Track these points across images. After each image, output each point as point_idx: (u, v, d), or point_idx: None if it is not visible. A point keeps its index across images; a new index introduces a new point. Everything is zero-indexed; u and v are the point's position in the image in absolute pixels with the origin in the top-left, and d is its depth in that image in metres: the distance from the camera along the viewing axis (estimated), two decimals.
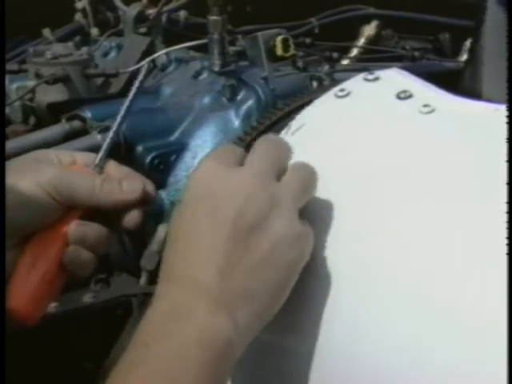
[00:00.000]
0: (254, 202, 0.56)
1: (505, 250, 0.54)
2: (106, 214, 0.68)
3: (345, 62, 1.33)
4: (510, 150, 0.59)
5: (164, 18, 1.22)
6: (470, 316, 0.54)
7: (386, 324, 0.57)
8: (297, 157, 0.68)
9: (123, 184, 0.67)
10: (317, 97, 0.75)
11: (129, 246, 0.96)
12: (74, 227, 0.65)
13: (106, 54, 1.21)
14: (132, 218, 0.67)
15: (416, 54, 1.31)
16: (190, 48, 1.12)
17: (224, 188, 0.57)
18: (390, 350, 0.56)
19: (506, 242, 0.54)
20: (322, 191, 0.64)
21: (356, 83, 0.73)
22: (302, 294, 0.61)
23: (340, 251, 0.61)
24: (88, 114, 0.99)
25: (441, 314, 0.55)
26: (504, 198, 0.56)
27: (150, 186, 0.69)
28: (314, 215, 0.62)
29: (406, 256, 0.59)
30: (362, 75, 0.74)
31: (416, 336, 0.56)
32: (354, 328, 0.58)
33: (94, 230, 0.66)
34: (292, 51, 1.02)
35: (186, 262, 0.56)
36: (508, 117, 0.61)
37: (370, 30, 1.44)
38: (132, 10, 1.22)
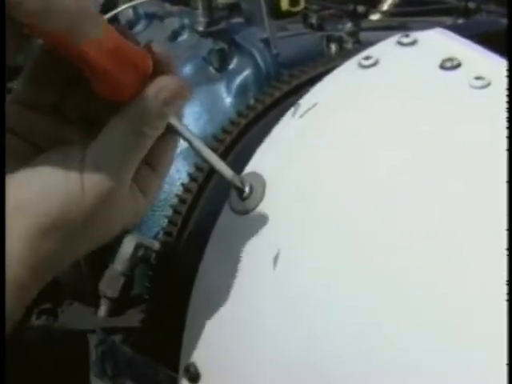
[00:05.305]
0: None
1: None
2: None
3: (374, 17, 1.31)
4: (510, 140, 0.61)
5: None
6: (470, 315, 0.57)
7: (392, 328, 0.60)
8: (306, 146, 0.71)
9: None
10: (335, 66, 0.76)
11: (83, 265, 0.95)
12: None
13: None
14: None
15: (471, 5, 1.25)
16: (164, 0, 1.12)
17: None
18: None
19: None
20: (335, 196, 0.67)
21: (387, 48, 0.75)
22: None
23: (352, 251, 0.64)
24: None
25: (440, 314, 0.58)
26: None
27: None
28: (330, 229, 0.65)
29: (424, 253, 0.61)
30: (394, 37, 0.75)
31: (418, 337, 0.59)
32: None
33: None
34: (302, 4, 1.02)
35: None
36: (508, 111, 0.63)
37: None
38: None
